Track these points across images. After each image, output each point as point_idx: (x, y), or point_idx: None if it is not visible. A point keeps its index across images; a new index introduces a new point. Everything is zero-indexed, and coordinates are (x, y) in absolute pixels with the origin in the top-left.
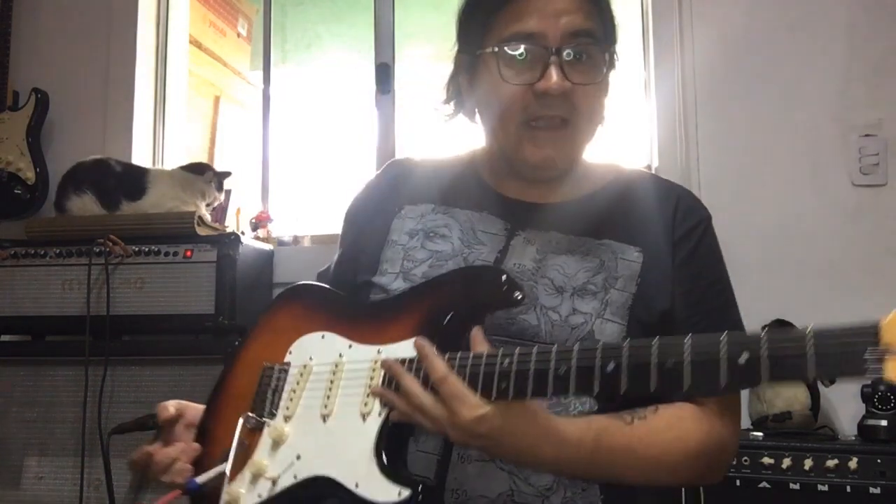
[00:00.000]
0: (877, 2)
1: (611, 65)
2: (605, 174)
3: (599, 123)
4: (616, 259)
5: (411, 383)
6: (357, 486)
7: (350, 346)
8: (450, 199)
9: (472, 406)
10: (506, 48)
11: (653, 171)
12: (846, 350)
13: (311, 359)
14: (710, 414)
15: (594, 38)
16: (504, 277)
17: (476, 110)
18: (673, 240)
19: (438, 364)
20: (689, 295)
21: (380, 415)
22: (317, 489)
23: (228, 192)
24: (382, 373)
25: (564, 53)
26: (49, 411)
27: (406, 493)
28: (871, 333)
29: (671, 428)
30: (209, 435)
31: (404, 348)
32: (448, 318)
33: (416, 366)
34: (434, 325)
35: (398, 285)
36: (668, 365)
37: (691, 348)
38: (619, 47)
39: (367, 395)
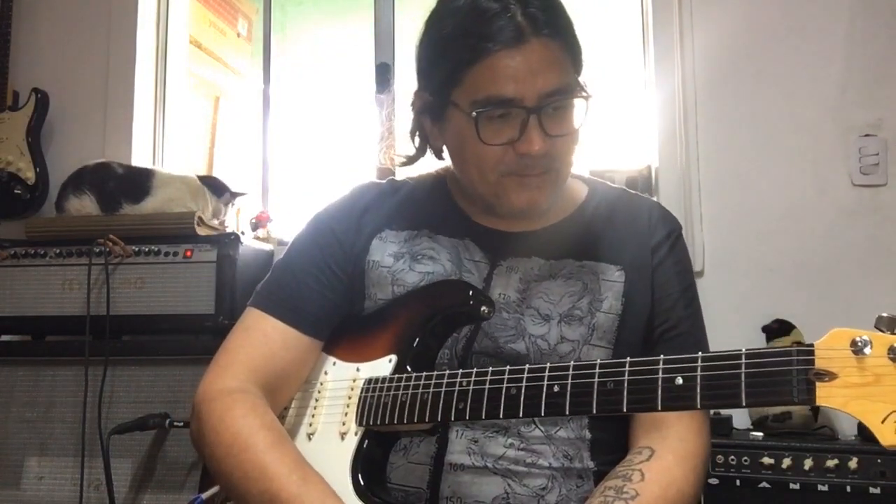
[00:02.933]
0: (877, 2)
1: (587, 107)
2: (578, 193)
3: (574, 155)
4: (598, 281)
5: None
6: None
7: (334, 364)
8: (431, 226)
9: None
10: (483, 111)
11: (652, 171)
12: (776, 375)
13: None
14: (688, 437)
15: (570, 92)
16: (471, 292)
17: (445, 150)
18: (650, 246)
19: None
20: (664, 300)
21: (356, 434)
22: None
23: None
24: (359, 393)
25: (542, 112)
26: (49, 411)
27: None
28: (804, 358)
29: (669, 486)
30: None
31: (381, 366)
32: (420, 336)
33: (390, 385)
34: (407, 344)
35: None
36: (609, 386)
37: (629, 370)
38: (586, 69)
39: (345, 415)
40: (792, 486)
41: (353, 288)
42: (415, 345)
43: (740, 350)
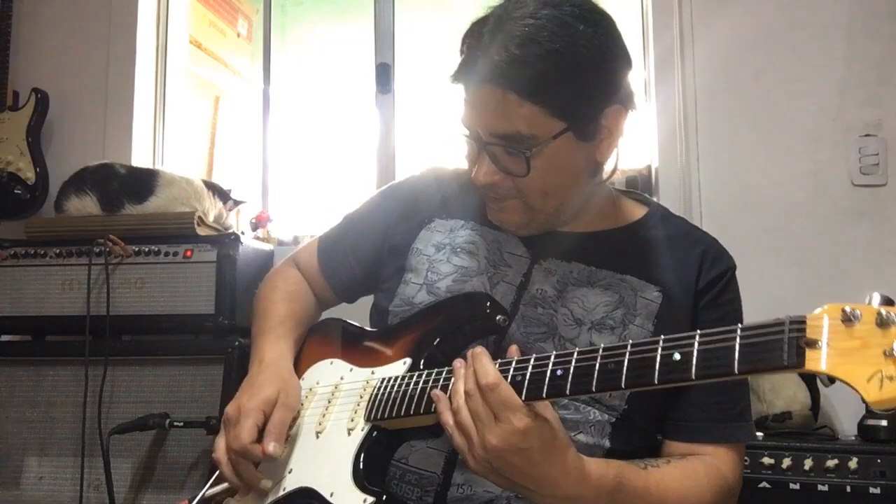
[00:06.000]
0: (877, 2)
1: (562, 152)
2: (635, 211)
3: (567, 186)
4: (636, 296)
5: (463, 382)
6: (332, 494)
7: (351, 370)
8: (478, 217)
9: (522, 417)
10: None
11: (653, 172)
12: (768, 342)
13: (317, 382)
14: (721, 465)
15: (514, 141)
16: (488, 302)
17: None
18: (697, 286)
19: (491, 368)
20: None
21: (362, 429)
22: (301, 499)
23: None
24: (371, 391)
25: (492, 147)
26: (49, 411)
27: (370, 500)
28: (796, 326)
29: (687, 477)
30: None
31: (396, 368)
32: (437, 341)
33: (401, 382)
34: (423, 349)
35: (422, 297)
36: (610, 367)
37: (630, 351)
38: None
39: (355, 412)
40: (792, 486)
41: (388, 263)
42: (431, 350)
43: (737, 325)
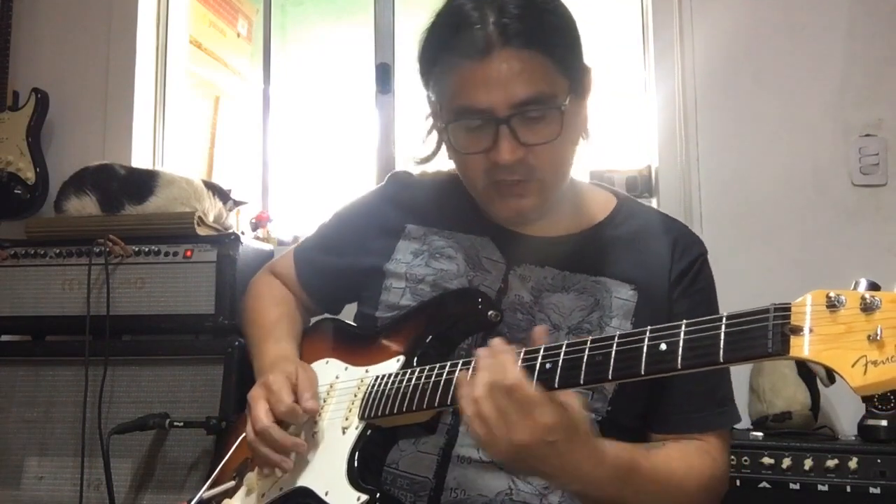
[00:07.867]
0: (877, 2)
1: (571, 112)
2: (604, 205)
3: (574, 151)
4: (611, 297)
5: (487, 374)
6: (327, 493)
7: (346, 369)
8: (452, 223)
9: (549, 412)
10: (456, 121)
11: (653, 172)
12: (753, 330)
13: None
14: (711, 449)
15: (541, 102)
16: (480, 299)
17: None
18: (671, 277)
19: (513, 366)
20: None
21: (356, 428)
22: (297, 499)
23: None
24: (365, 389)
25: (513, 120)
26: (49, 411)
27: (364, 498)
28: (780, 314)
29: (684, 458)
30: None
31: (389, 366)
32: (429, 338)
33: (394, 379)
34: (416, 346)
35: (407, 301)
36: (598, 359)
37: (618, 342)
38: (588, 61)
39: (349, 411)
40: (792, 486)
41: (366, 276)
42: (424, 347)
43: (723, 314)
